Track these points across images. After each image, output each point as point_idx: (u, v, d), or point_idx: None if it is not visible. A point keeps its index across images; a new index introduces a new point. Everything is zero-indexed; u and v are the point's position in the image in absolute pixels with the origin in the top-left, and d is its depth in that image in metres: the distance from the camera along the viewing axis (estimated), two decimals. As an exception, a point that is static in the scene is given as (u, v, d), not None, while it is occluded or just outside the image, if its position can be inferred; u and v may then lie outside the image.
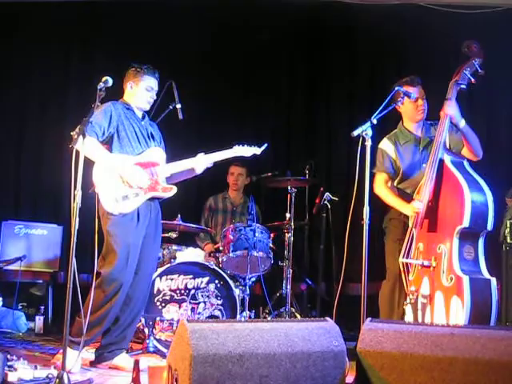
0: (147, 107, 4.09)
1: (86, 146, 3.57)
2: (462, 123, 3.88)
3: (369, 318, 3.12)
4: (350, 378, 3.01)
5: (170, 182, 4.10)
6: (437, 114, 3.98)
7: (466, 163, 3.88)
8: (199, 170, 4.11)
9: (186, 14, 5.97)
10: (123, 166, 3.85)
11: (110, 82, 3.54)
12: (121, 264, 3.78)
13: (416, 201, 3.87)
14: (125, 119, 3.94)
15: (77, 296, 3.33)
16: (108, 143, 3.90)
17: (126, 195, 3.83)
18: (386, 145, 4.21)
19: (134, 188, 3.86)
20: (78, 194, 3.33)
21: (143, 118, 4.11)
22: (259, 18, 6.01)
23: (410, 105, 4.12)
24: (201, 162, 4.07)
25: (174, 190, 4.01)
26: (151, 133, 4.10)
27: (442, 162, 3.82)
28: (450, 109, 3.85)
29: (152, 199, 3.97)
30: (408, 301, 3.79)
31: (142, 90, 4.02)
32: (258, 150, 4.32)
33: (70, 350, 3.63)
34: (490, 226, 3.70)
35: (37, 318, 5.13)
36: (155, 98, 4.08)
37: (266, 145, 4.35)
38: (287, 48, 6.35)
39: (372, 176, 3.73)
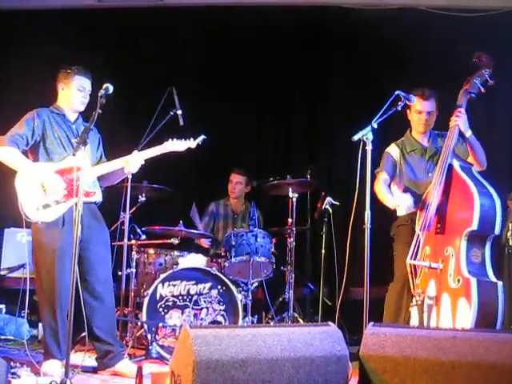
0: (81, 108, 3.98)
1: (7, 156, 3.75)
2: (469, 133, 3.97)
3: (371, 323, 3.12)
4: (352, 382, 3.00)
5: (105, 183, 4.06)
6: (443, 122, 4.02)
7: (473, 169, 3.95)
8: (133, 169, 3.97)
9: (186, 20, 6.01)
10: (43, 175, 3.78)
11: (111, 89, 3.56)
12: (46, 271, 3.75)
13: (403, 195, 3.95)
14: (49, 125, 3.89)
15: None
16: (34, 151, 3.87)
17: (47, 203, 3.77)
18: (393, 150, 4.29)
19: (54, 196, 3.78)
20: (80, 201, 3.35)
21: (76, 120, 4.01)
22: (259, 23, 6.02)
23: (414, 115, 4.20)
24: (132, 161, 3.93)
25: (98, 194, 3.94)
26: None
27: (450, 166, 3.88)
28: (460, 119, 3.92)
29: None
30: (414, 302, 3.79)
31: (73, 91, 3.92)
32: (192, 144, 4.07)
33: (56, 360, 3.72)
34: (497, 231, 3.76)
35: (40, 325, 5.11)
36: (88, 98, 3.94)
37: (202, 137, 4.10)
38: (287, 53, 6.36)
39: (372, 178, 3.76)
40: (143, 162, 3.98)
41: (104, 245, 4.03)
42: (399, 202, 4.03)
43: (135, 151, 3.97)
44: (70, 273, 3.70)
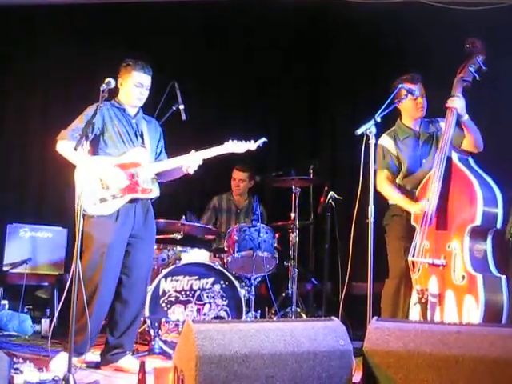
0: (138, 104, 4.00)
1: (68, 150, 3.72)
2: (466, 117, 3.90)
3: (375, 317, 3.11)
4: (356, 376, 2.99)
5: (161, 180, 4.05)
6: (436, 111, 3.99)
7: (470, 160, 3.88)
8: (191, 169, 3.95)
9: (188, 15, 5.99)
10: (102, 169, 3.78)
11: (113, 83, 3.56)
12: (95, 264, 3.74)
13: (423, 200, 3.85)
14: (109, 119, 3.90)
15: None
16: (94, 145, 3.86)
17: (104, 197, 3.78)
18: (385, 141, 4.20)
19: (112, 190, 3.78)
20: (83, 196, 3.33)
21: (136, 114, 4.02)
22: (259, 17, 6.00)
23: (410, 102, 4.11)
24: (191, 160, 3.91)
25: (154, 191, 3.93)
26: (141, 131, 4.01)
27: (449, 159, 3.81)
28: (456, 102, 3.85)
29: (135, 200, 3.89)
30: (417, 300, 3.73)
31: (131, 87, 3.93)
32: (252, 146, 4.00)
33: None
34: (499, 224, 3.71)
35: (43, 320, 5.13)
36: (147, 93, 3.96)
37: (263, 139, 4.02)
38: (288, 47, 6.33)
39: (374, 173, 3.72)
40: (201, 162, 3.95)
41: (150, 242, 4.08)
42: (417, 210, 3.87)
43: (192, 151, 3.92)
44: (116, 269, 3.82)
